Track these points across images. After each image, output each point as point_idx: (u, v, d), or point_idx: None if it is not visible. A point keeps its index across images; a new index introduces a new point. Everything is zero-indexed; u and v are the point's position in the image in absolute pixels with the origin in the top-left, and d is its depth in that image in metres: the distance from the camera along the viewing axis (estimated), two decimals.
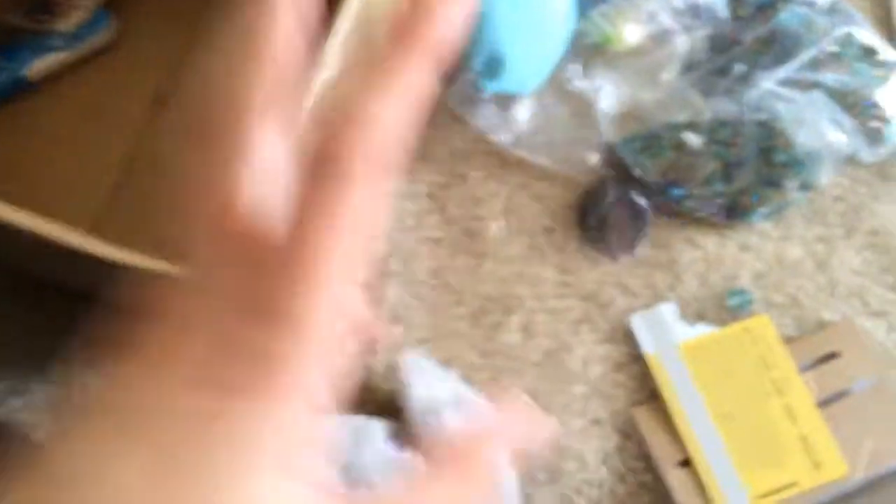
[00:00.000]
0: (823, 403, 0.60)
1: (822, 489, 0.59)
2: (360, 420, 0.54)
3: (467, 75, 0.59)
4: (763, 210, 0.63)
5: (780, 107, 0.61)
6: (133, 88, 0.64)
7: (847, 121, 0.61)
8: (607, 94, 0.63)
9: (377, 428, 0.53)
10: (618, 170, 0.64)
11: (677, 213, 0.64)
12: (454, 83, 0.61)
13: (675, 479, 0.59)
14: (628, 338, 0.62)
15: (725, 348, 0.62)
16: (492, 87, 0.59)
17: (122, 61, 0.66)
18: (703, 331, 0.62)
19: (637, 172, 0.63)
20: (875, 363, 0.61)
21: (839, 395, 0.61)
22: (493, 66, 0.58)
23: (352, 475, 0.49)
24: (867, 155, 0.63)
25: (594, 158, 0.63)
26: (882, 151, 0.63)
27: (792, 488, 0.59)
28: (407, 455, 0.52)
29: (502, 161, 0.65)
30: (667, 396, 0.60)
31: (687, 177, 0.62)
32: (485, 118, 0.62)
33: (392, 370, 0.58)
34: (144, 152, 0.63)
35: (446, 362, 0.61)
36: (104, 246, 0.41)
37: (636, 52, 0.64)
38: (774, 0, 0.64)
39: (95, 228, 0.59)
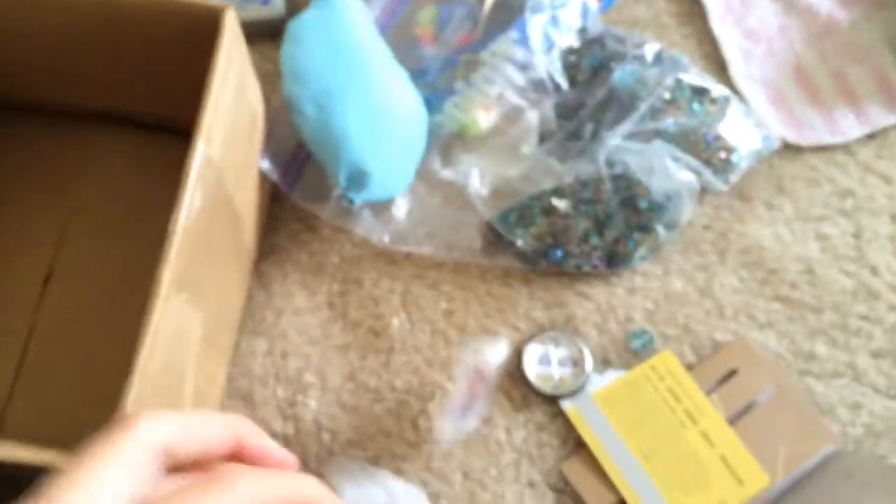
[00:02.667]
0: (733, 420, 0.64)
1: (749, 501, 0.62)
2: None
3: (336, 191, 0.62)
4: (640, 253, 0.67)
5: (630, 159, 0.65)
6: (22, 268, 0.67)
7: (691, 160, 0.66)
8: (475, 177, 0.68)
9: None
10: (499, 244, 0.68)
11: (563, 272, 0.68)
12: (326, 201, 0.65)
13: None
14: (544, 397, 0.65)
15: (636, 389, 0.65)
16: (360, 199, 0.63)
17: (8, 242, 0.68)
18: (612, 377, 0.66)
19: (518, 243, 0.67)
20: (772, 373, 0.65)
21: (746, 410, 0.64)
22: (358, 180, 0.61)
23: None
24: (720, 185, 0.68)
25: (476, 239, 0.67)
26: (733, 178, 0.69)
27: None
28: None
29: (391, 259, 0.69)
30: (591, 445, 0.63)
31: (564, 238, 0.67)
32: (364, 225, 0.66)
33: (321, 479, 0.60)
34: (40, 330, 0.65)
35: (376, 460, 0.64)
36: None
37: (493, 132, 0.69)
38: (606, 62, 0.69)
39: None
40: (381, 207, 0.67)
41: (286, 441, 0.64)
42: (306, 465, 0.63)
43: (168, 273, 0.46)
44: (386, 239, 0.67)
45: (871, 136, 0.72)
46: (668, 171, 0.64)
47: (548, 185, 0.67)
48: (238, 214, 0.60)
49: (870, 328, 0.67)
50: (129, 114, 0.69)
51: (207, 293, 0.55)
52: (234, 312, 0.65)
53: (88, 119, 0.70)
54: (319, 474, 0.62)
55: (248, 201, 0.62)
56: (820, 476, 0.62)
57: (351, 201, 0.62)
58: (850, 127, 0.72)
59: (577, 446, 0.64)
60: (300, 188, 0.66)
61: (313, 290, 0.68)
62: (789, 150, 0.72)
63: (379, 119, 0.62)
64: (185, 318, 0.51)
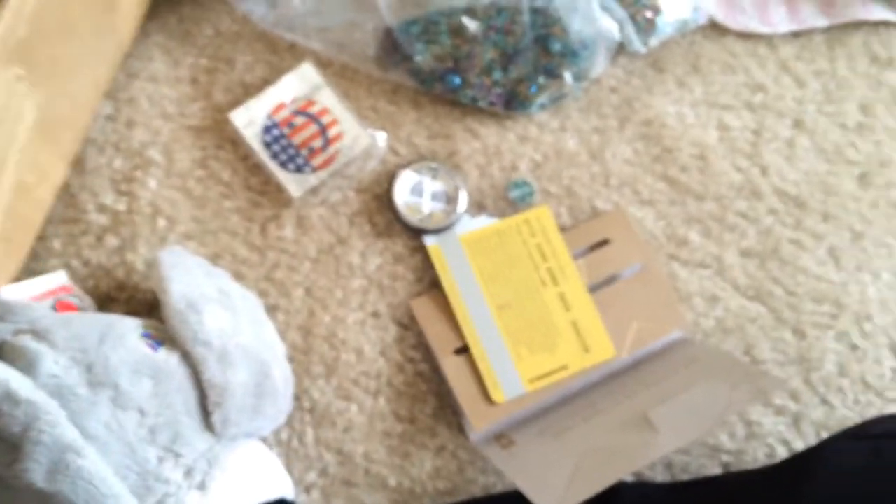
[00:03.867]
0: (594, 289, 0.62)
1: (592, 370, 0.61)
2: (110, 317, 0.49)
3: None
4: (541, 100, 0.63)
5: None
6: None
7: (619, 9, 0.61)
8: None
9: (130, 326, 0.49)
10: (394, 56, 0.61)
11: (457, 103, 0.63)
12: None
13: (451, 366, 0.59)
14: (409, 229, 0.61)
15: (505, 239, 0.62)
16: None
17: None
18: (483, 222, 0.62)
19: (416, 59, 0.61)
20: (642, 249, 0.63)
21: (609, 281, 0.63)
22: None
23: (96, 376, 0.45)
24: (639, 45, 0.63)
25: (370, 44, 0.60)
26: (654, 42, 0.64)
27: (563, 371, 0.60)
28: (161, 355, 0.48)
29: (272, 46, 0.61)
30: (446, 287, 0.60)
31: (465, 65, 0.61)
32: (249, 0, 0.58)
33: (152, 266, 0.54)
34: None
35: (215, 258, 0.58)
36: None
37: None
38: None
39: None
40: None
41: (115, 219, 0.57)
42: (133, 249, 0.57)
43: None
44: (270, 20, 0.59)
45: (796, 35, 0.69)
46: (592, 14, 0.59)
47: (461, 2, 0.61)
48: None
49: (745, 226, 0.66)
50: None
51: (54, 76, 0.46)
52: (86, 111, 0.55)
53: None
54: (149, 259, 0.56)
55: None
56: (663, 357, 0.62)
57: None
58: (780, 20, 0.68)
59: (431, 286, 0.61)
60: None
61: (177, 59, 0.60)
62: (714, 30, 0.68)
63: None
64: (12, 97, 0.42)
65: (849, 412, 0.63)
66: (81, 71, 0.51)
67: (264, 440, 0.56)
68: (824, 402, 0.64)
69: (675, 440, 0.54)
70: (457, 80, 0.61)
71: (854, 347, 0.65)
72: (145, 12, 0.59)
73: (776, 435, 0.63)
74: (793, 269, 0.65)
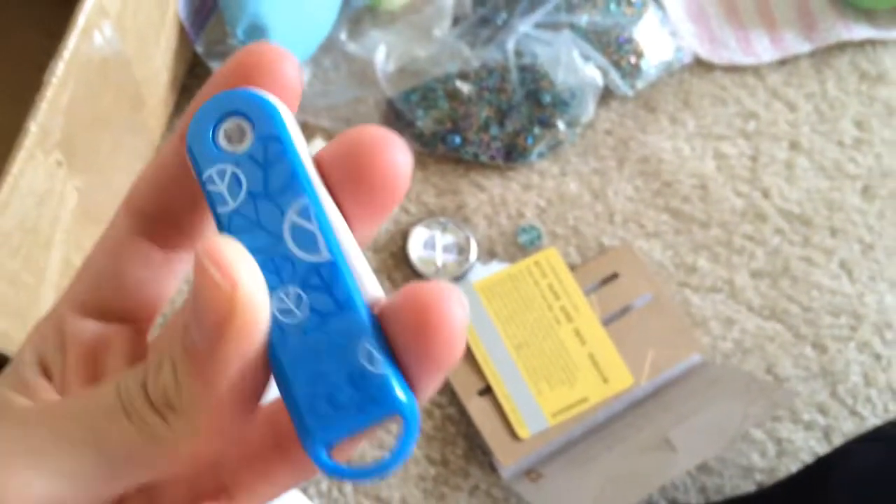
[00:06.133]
0: (608, 321, 0.65)
1: (612, 401, 0.63)
2: None
3: (234, 45, 0.60)
4: (539, 149, 0.67)
5: (538, 49, 0.64)
6: None
7: (600, 57, 0.65)
8: (382, 52, 0.66)
9: None
10: (397, 124, 0.66)
11: (460, 160, 0.67)
12: (221, 58, 0.62)
13: (476, 407, 0.62)
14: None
15: (518, 283, 0.65)
16: None
17: None
18: (495, 268, 0.66)
19: (417, 124, 0.66)
20: (652, 280, 0.66)
21: (622, 312, 0.65)
22: (255, 35, 0.59)
23: None
24: (626, 88, 0.67)
25: (374, 116, 0.66)
26: (640, 84, 0.68)
27: (584, 403, 0.63)
28: None
29: None
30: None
31: (463, 125, 0.66)
32: None
33: None
34: None
35: None
36: None
37: (406, 10, 0.67)
38: None
39: None
40: None
41: None
42: None
43: (35, 127, 0.44)
44: None
45: (782, 63, 0.72)
46: (575, 65, 0.63)
47: (453, 68, 0.66)
48: (137, 83, 0.57)
49: (753, 248, 0.68)
50: None
51: (91, 164, 0.52)
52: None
53: None
54: None
55: (153, 72, 0.59)
56: (684, 382, 0.64)
57: None
58: (764, 50, 0.72)
59: None
60: (203, 38, 0.64)
61: None
62: (700, 66, 0.72)
63: None
64: (55, 181, 0.48)
65: (879, 421, 0.64)
66: (117, 164, 0.58)
67: (305, 492, 0.60)
68: (854, 413, 0.64)
69: (694, 458, 0.55)
70: (457, 140, 0.66)
71: (878, 357, 0.65)
72: (172, 111, 0.66)
73: (808, 450, 0.64)
74: (805, 285, 0.67)
